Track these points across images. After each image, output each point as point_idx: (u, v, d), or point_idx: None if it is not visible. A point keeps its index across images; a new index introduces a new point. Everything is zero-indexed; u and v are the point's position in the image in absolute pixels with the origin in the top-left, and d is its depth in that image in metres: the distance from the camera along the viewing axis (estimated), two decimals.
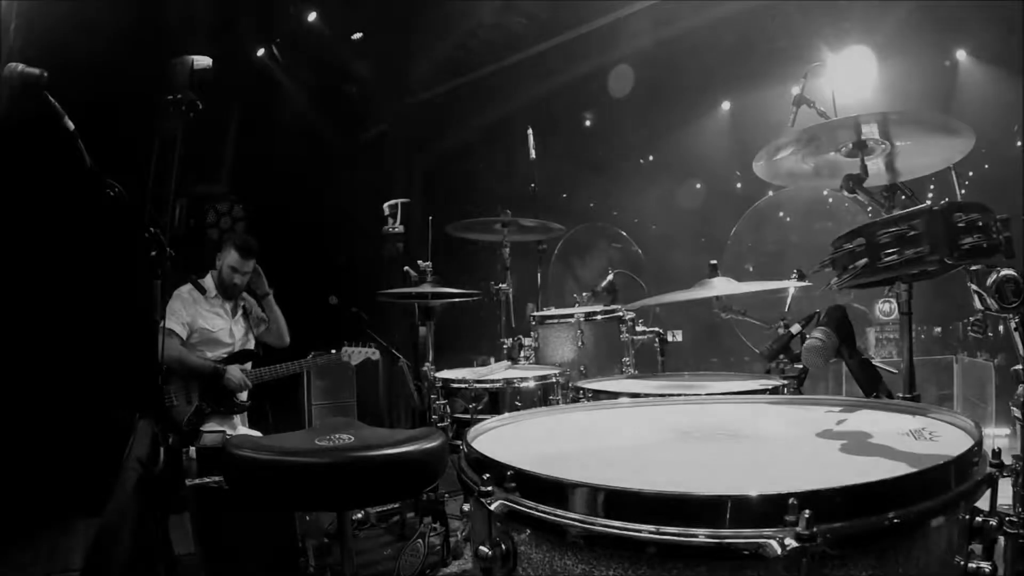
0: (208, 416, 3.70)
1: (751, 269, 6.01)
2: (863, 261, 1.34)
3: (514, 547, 0.97)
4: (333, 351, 4.23)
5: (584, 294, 3.63)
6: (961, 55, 6.05)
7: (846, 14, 5.96)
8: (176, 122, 2.33)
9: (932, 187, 3.34)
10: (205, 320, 3.84)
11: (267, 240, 6.34)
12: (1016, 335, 1.35)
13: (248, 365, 3.93)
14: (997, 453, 1.00)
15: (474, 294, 3.84)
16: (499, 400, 2.84)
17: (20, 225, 4.33)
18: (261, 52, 6.85)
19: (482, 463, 1.09)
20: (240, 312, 4.07)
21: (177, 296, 3.78)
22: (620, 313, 3.24)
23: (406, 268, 3.65)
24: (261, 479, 1.85)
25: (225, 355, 3.88)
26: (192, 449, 3.00)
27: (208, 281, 3.93)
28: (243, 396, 3.85)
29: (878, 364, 1.70)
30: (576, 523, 0.88)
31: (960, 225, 1.23)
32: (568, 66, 7.19)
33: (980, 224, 1.24)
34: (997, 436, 3.78)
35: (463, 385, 2.89)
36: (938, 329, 5.55)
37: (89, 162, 1.95)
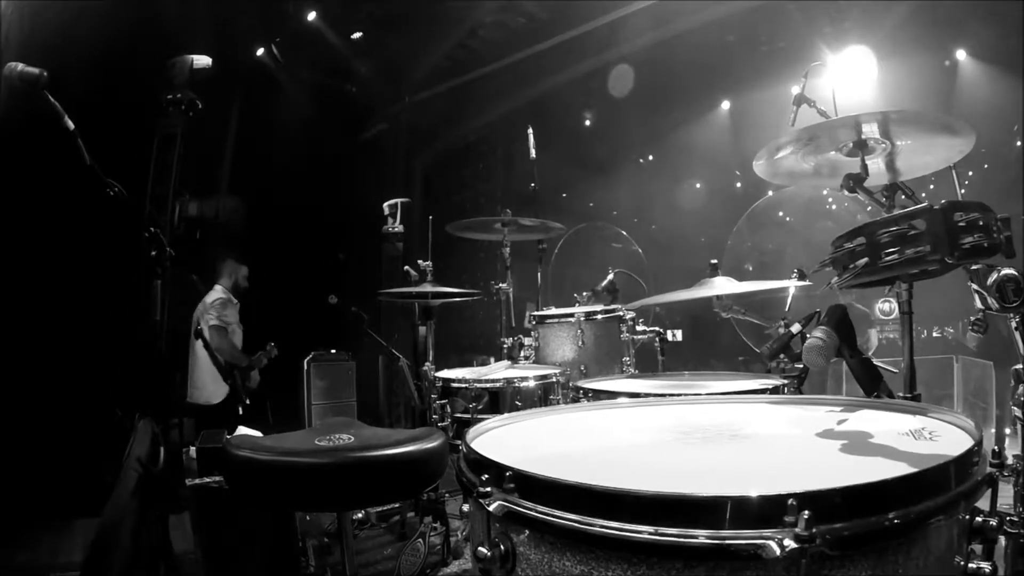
0: None
1: (751, 269, 6.01)
2: (863, 260, 1.34)
3: (513, 548, 0.97)
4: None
5: (584, 294, 3.62)
6: (961, 55, 6.04)
7: (846, 14, 5.96)
8: (176, 121, 2.33)
9: (932, 187, 3.34)
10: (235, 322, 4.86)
11: (267, 240, 6.37)
12: (1016, 334, 1.35)
13: None
14: (997, 453, 1.00)
15: (474, 294, 3.84)
16: (499, 400, 2.84)
17: (20, 224, 4.32)
18: (261, 52, 6.85)
19: (481, 464, 1.09)
20: None
21: (228, 302, 4.81)
22: (620, 313, 3.23)
23: (406, 268, 3.64)
24: (261, 479, 1.85)
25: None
26: (192, 449, 3.00)
27: (221, 290, 4.90)
28: None
29: (878, 364, 1.70)
30: (575, 524, 0.88)
31: (960, 224, 1.23)
32: (568, 66, 7.19)
33: (980, 223, 1.23)
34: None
35: (463, 385, 2.89)
36: (951, 330, 5.50)
37: (89, 161, 1.95)
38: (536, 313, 3.45)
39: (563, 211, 6.22)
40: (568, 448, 1.36)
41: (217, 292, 4.89)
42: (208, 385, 4.69)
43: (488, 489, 1.00)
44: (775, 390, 2.09)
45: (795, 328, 1.90)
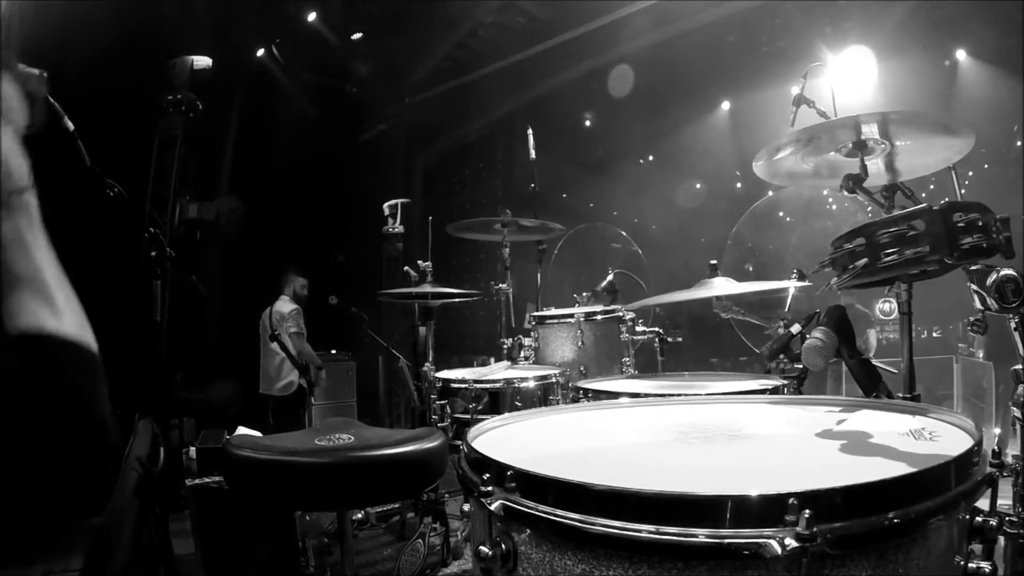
0: None
1: (751, 269, 6.01)
2: (863, 261, 1.34)
3: (514, 547, 0.97)
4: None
5: (584, 294, 3.61)
6: (961, 55, 6.04)
7: (846, 14, 5.96)
8: (176, 122, 2.33)
9: (932, 187, 3.34)
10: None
11: (267, 240, 6.37)
12: (1016, 335, 1.35)
13: None
14: (997, 453, 1.00)
15: (474, 294, 3.84)
16: (499, 400, 2.84)
17: None
18: (261, 52, 6.85)
19: (482, 463, 1.09)
20: None
21: (300, 311, 5.54)
22: (620, 313, 3.23)
23: (406, 268, 3.64)
24: (261, 479, 1.85)
25: None
26: (192, 449, 3.00)
27: (288, 301, 5.61)
28: None
29: (878, 364, 1.70)
30: (576, 523, 0.88)
31: (960, 225, 1.23)
32: (568, 66, 7.19)
33: (980, 224, 1.23)
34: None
35: (463, 385, 2.89)
36: (955, 352, 5.43)
37: (88, 162, 1.94)
38: (536, 313, 3.45)
39: (563, 211, 6.23)
40: (569, 448, 1.36)
41: (289, 303, 5.61)
42: (285, 379, 5.56)
43: (490, 488, 1.00)
44: (775, 390, 2.09)
45: (795, 329, 1.90)
